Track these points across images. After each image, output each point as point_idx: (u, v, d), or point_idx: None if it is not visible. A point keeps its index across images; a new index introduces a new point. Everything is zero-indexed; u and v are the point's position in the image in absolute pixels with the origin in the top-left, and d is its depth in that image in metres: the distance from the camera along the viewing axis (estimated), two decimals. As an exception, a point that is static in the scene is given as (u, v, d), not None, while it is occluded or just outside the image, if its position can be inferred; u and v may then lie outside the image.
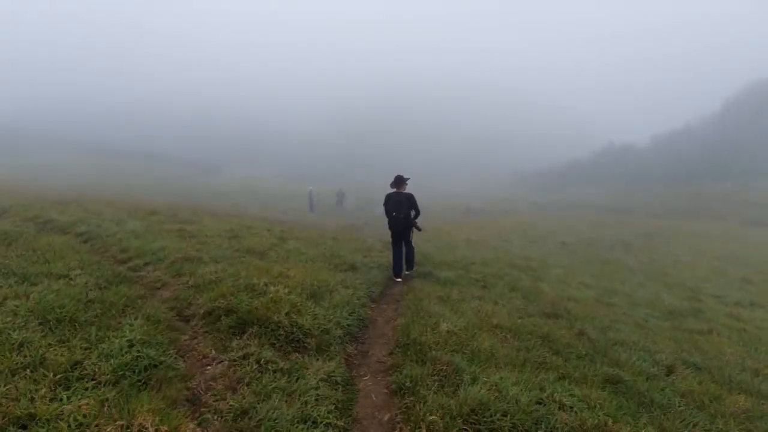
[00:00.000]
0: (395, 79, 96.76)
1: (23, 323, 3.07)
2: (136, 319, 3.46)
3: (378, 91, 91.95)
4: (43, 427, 2.10)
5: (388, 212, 6.81)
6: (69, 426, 2.11)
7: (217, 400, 2.60)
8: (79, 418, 2.17)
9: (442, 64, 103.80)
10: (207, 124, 72.95)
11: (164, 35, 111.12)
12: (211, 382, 2.82)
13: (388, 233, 7.06)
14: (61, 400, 2.31)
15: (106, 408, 2.28)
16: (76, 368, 2.63)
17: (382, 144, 69.17)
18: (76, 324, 3.24)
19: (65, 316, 3.31)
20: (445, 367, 3.23)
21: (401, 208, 6.70)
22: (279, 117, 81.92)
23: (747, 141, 34.62)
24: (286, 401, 2.63)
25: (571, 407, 2.76)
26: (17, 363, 2.58)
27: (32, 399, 2.27)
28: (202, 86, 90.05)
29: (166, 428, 2.22)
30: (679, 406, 3.18)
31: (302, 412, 2.55)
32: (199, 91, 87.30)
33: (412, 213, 6.86)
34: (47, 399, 2.30)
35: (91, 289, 4.05)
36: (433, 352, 3.48)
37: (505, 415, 2.56)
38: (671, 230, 19.02)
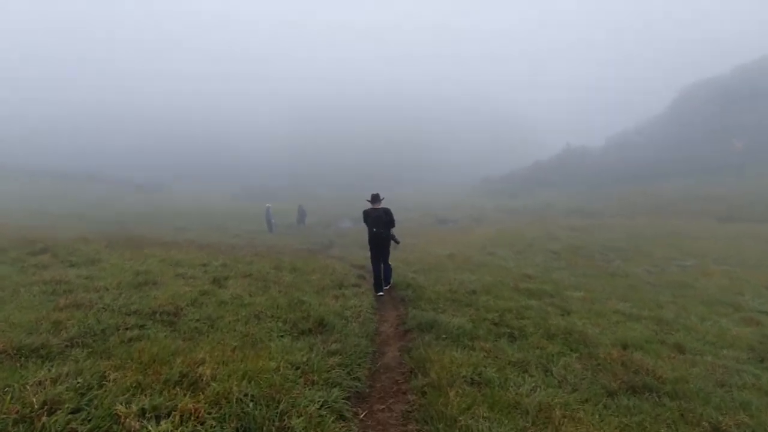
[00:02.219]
0: (355, 91, 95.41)
1: None
2: None
3: (338, 102, 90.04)
4: None
5: (368, 227, 7.15)
6: None
7: None
8: None
9: (401, 75, 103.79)
10: (156, 137, 67.33)
11: (108, 41, 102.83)
12: None
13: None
14: None
15: None
16: None
17: (343, 157, 67.02)
18: None
19: None
20: None
21: (380, 224, 7.04)
22: (236, 129, 77.51)
23: (696, 139, 35.99)
24: None
25: None
26: None
27: None
28: (152, 97, 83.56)
29: None
30: None
31: None
32: (148, 103, 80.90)
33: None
34: None
35: None
36: None
37: None
38: (651, 231, 18.27)
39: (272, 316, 4.60)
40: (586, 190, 33.88)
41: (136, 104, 79.62)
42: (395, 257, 11.78)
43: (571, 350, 4.57)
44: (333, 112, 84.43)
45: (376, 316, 5.71)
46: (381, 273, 7.10)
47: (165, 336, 3.71)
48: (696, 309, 7.26)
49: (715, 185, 26.74)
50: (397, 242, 7.45)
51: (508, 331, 4.96)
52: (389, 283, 7.35)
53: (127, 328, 3.80)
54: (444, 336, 4.46)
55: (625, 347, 4.87)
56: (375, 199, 7.14)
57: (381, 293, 6.92)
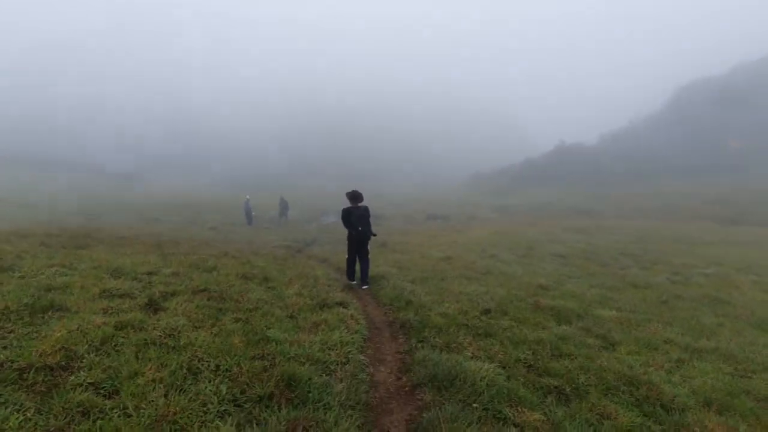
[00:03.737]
0: (342, 84, 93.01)
1: None
2: None
3: (325, 94, 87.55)
4: None
5: (351, 226, 7.07)
6: None
7: None
8: None
9: (392, 71, 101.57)
10: (137, 126, 64.02)
11: (95, 33, 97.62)
12: None
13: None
14: None
15: None
16: None
17: (330, 150, 64.99)
18: None
19: None
20: None
21: (363, 222, 7.07)
22: (220, 122, 74.43)
23: (693, 138, 35.42)
24: None
25: None
26: None
27: None
28: (135, 86, 79.58)
29: None
30: None
31: None
32: (130, 92, 76.99)
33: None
34: None
35: None
36: None
37: None
38: (657, 234, 17.28)
39: (216, 368, 3.09)
40: (583, 189, 32.97)
41: (117, 92, 75.87)
42: (387, 261, 10.36)
43: (647, 417, 3.21)
44: (322, 105, 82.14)
45: (370, 351, 4.26)
46: (354, 263, 7.28)
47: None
48: (751, 335, 6.03)
49: (715, 186, 26.06)
50: (374, 234, 7.39)
51: (554, 384, 3.57)
52: (368, 282, 7.16)
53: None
54: (473, 402, 3.02)
55: (708, 404, 3.55)
56: (356, 198, 7.06)
57: (354, 282, 7.16)
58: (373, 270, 8.75)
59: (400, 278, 7.93)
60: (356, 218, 6.98)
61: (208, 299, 4.95)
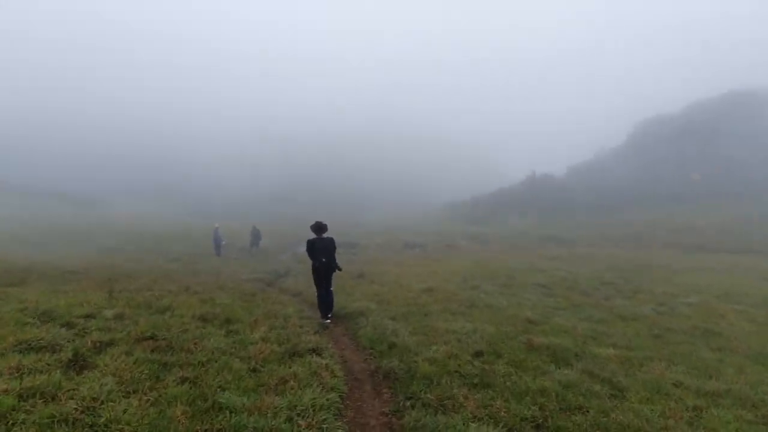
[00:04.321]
0: (316, 111, 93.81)
1: None
2: None
3: (300, 121, 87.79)
4: None
5: (314, 257, 7.00)
6: None
7: None
8: None
9: (361, 101, 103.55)
10: (99, 149, 61.22)
11: (52, 42, 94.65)
12: None
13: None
14: None
15: None
16: None
17: (304, 177, 64.32)
18: None
19: None
20: None
21: (327, 253, 7.02)
22: (191, 147, 72.50)
23: (655, 170, 37.24)
24: None
25: None
26: None
27: None
28: (98, 107, 76.83)
29: None
30: None
31: None
32: (100, 112, 74.22)
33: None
34: None
35: None
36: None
37: None
38: (631, 263, 17.39)
39: (144, 459, 2.31)
40: (555, 218, 33.59)
41: (82, 110, 73.09)
42: (365, 294, 9.66)
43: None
44: (297, 133, 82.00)
45: (349, 413, 3.54)
46: (327, 297, 7.09)
47: None
48: (755, 372, 5.68)
49: (679, 215, 27.07)
50: (339, 269, 7.43)
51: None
52: (329, 317, 7.01)
53: None
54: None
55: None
56: (321, 229, 7.03)
57: (329, 320, 6.90)
58: (350, 305, 8.04)
59: (380, 314, 7.24)
60: (319, 250, 6.93)
61: (152, 350, 4.11)
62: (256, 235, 20.68)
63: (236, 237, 23.52)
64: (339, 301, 8.63)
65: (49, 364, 3.52)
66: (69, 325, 4.75)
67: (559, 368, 4.99)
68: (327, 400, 3.38)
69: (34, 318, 4.91)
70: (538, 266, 16.17)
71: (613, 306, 9.79)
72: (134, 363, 3.69)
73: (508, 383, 4.23)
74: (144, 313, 5.63)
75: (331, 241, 7.10)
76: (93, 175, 52.93)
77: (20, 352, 3.75)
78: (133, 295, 7.12)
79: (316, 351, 4.72)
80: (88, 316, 5.21)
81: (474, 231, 31.26)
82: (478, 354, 5.27)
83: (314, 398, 3.33)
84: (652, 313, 9.26)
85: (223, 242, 19.53)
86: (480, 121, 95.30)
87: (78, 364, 3.61)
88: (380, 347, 5.23)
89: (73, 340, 4.24)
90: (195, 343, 4.48)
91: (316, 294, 7.27)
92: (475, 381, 4.25)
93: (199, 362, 3.92)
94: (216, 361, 4.01)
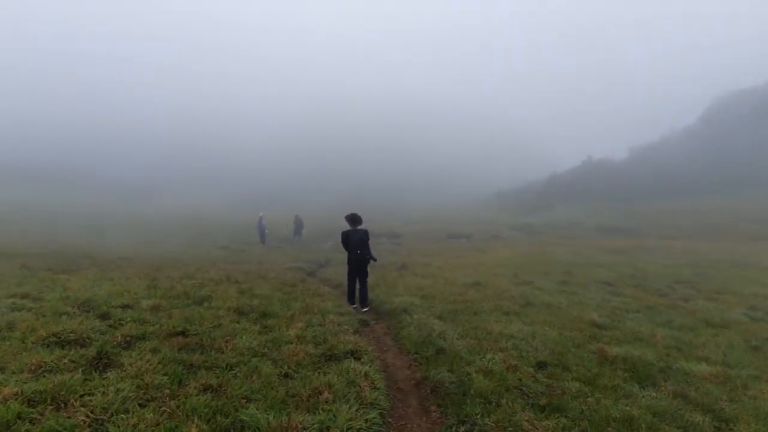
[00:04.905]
0: (357, 100, 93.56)
1: None
2: None
3: (345, 112, 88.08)
4: None
5: (350, 249, 7.09)
6: None
7: None
8: None
9: (411, 85, 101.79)
10: (151, 142, 65.28)
11: (100, 39, 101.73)
12: None
13: None
14: None
15: None
16: None
17: (345, 166, 64.55)
18: None
19: None
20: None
21: (362, 245, 7.05)
22: (238, 135, 75.29)
23: (731, 152, 33.10)
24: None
25: None
26: None
27: None
28: (149, 101, 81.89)
29: None
30: None
31: None
32: (144, 106, 79.23)
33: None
34: None
35: None
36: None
37: None
38: (711, 258, 15.42)
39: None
40: (614, 206, 30.98)
41: (131, 107, 78.07)
42: (408, 288, 9.10)
43: None
44: (339, 122, 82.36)
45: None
46: (355, 287, 7.27)
47: None
48: None
49: (756, 202, 23.82)
50: (374, 260, 7.38)
51: None
52: (368, 305, 7.12)
53: None
54: None
55: None
56: (356, 220, 7.09)
57: (355, 305, 7.09)
58: (392, 299, 7.53)
59: (425, 312, 6.66)
60: (354, 242, 7.02)
61: (181, 348, 3.81)
62: (298, 225, 20.79)
63: (279, 226, 23.90)
64: (380, 294, 8.16)
65: (73, 361, 3.30)
66: (104, 317, 4.62)
67: (644, 389, 4.15)
68: (366, 421, 2.86)
69: (73, 307, 4.84)
70: (599, 260, 14.77)
71: (695, 309, 8.50)
72: (159, 362, 3.39)
73: (583, 407, 3.49)
74: (180, 305, 5.45)
75: (365, 232, 7.14)
76: (148, 168, 56.41)
77: (47, 346, 3.58)
78: (174, 283, 7.07)
79: (354, 354, 4.23)
80: (125, 306, 5.09)
81: (523, 221, 29.61)
82: (541, 365, 4.54)
83: (351, 419, 2.82)
84: (744, 319, 7.91)
85: (266, 231, 19.79)
86: (528, 104, 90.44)
87: (102, 362, 3.37)
88: (426, 352, 4.65)
89: (104, 333, 4.06)
90: (227, 341, 4.15)
91: (347, 285, 7.44)
92: (542, 402, 3.55)
93: (227, 365, 3.56)
94: (246, 364, 3.63)
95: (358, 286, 7.28)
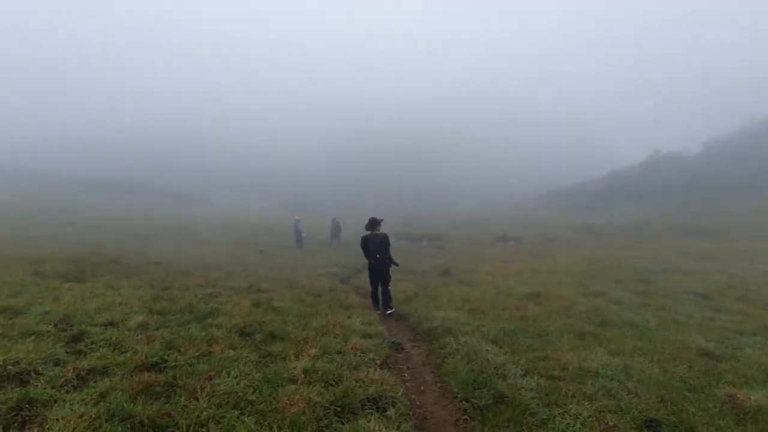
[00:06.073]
0: (402, 98, 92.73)
1: None
2: None
3: (381, 112, 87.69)
4: None
5: (370, 254, 6.91)
6: None
7: None
8: None
9: (458, 80, 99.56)
10: (195, 148, 68.48)
11: (145, 49, 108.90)
12: None
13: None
14: None
15: None
16: None
17: (385, 168, 63.70)
18: None
19: None
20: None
21: (382, 250, 6.90)
22: (279, 141, 77.19)
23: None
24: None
25: None
26: None
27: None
28: (192, 112, 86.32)
29: None
30: None
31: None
32: (188, 114, 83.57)
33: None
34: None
35: None
36: None
37: None
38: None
39: None
40: (688, 205, 27.36)
41: (179, 118, 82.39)
42: (453, 299, 7.75)
43: None
44: (384, 126, 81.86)
45: None
46: (378, 294, 7.04)
47: None
48: None
49: None
50: (396, 264, 7.17)
51: None
52: (391, 308, 6.87)
53: None
54: None
55: None
56: (374, 224, 6.98)
57: (379, 311, 6.83)
58: (433, 314, 6.26)
59: (474, 333, 5.31)
60: (374, 246, 6.87)
61: (142, 391, 2.81)
62: (336, 228, 20.00)
63: (318, 229, 23.32)
64: (419, 308, 6.91)
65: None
66: (77, 338, 3.79)
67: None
68: None
69: (50, 325, 4.07)
70: (682, 266, 12.47)
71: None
72: (98, 418, 2.39)
73: None
74: (175, 322, 4.55)
75: (385, 236, 7.00)
76: (195, 175, 58.85)
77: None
78: (183, 292, 6.27)
79: (378, 403, 3.02)
80: (108, 324, 4.26)
81: (581, 222, 26.91)
82: (651, 425, 3.07)
83: None
84: None
85: (303, 234, 19.18)
86: (585, 98, 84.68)
87: (21, 416, 2.42)
88: (480, 397, 3.33)
89: (59, 364, 3.18)
90: (209, 378, 3.12)
91: (370, 292, 7.25)
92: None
93: (191, 423, 2.48)
94: (218, 421, 2.55)
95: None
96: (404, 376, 4.02)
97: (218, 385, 3.01)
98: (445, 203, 44.01)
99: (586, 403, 3.27)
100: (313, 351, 4.00)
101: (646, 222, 23.64)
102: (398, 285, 9.68)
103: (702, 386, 3.97)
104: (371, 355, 4.10)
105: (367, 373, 3.57)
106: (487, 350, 4.54)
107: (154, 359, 3.38)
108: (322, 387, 3.21)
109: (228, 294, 6.77)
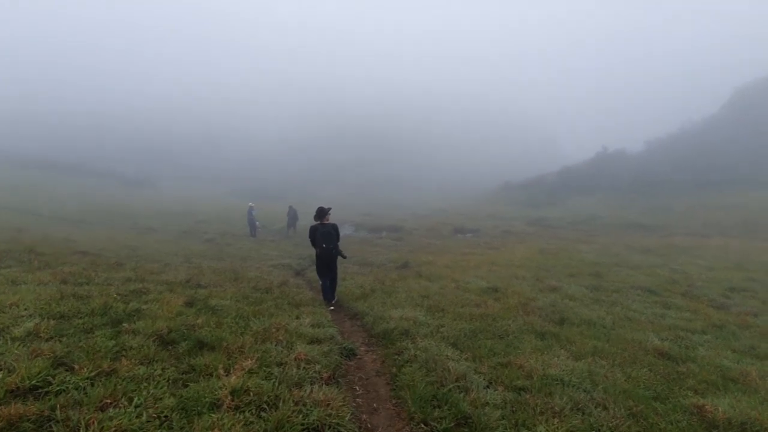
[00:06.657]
0: (360, 90, 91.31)
1: None
2: None
3: (343, 101, 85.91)
4: None
5: (317, 244, 6.76)
6: None
7: None
8: None
9: (410, 74, 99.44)
10: (150, 133, 63.72)
11: (112, 34, 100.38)
12: None
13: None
14: None
15: None
16: None
17: (348, 158, 62.61)
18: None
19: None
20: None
21: (330, 240, 6.73)
22: (238, 127, 73.46)
23: (759, 143, 30.89)
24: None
25: None
26: None
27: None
28: (149, 94, 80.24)
29: None
30: None
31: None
32: (145, 99, 77.59)
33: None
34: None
35: None
36: None
37: None
38: (761, 260, 13.55)
39: None
40: (633, 200, 29.02)
41: (132, 99, 76.45)
42: (411, 295, 7.37)
43: None
44: (346, 114, 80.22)
45: None
46: (329, 286, 6.88)
47: None
48: None
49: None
50: (344, 257, 7.19)
51: None
52: (335, 297, 6.92)
53: None
54: None
55: None
56: (323, 214, 6.82)
57: (333, 307, 6.62)
58: (390, 313, 5.83)
59: (433, 335, 4.94)
60: (322, 236, 6.67)
61: (-5, 437, 2.10)
62: (293, 216, 19.07)
63: (276, 218, 22.23)
64: (374, 305, 6.46)
65: None
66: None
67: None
68: None
69: None
70: (630, 260, 12.97)
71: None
72: None
73: None
74: (75, 329, 3.74)
75: (333, 227, 6.86)
76: (145, 157, 54.76)
77: None
78: (102, 289, 5.38)
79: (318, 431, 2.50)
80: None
81: (535, 215, 27.75)
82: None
83: None
84: None
85: (258, 224, 18.11)
86: (538, 98, 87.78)
87: None
88: (440, 419, 2.91)
89: None
90: (102, 408, 2.45)
91: (320, 285, 7.02)
92: None
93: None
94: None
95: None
96: (355, 389, 3.54)
97: (111, 419, 2.34)
98: (406, 195, 43.95)
99: (556, 422, 2.96)
100: (248, 363, 3.40)
101: (594, 216, 24.77)
102: (355, 279, 9.19)
103: (666, 394, 3.83)
104: (317, 367, 3.57)
105: (311, 391, 3.04)
106: (447, 356, 4.17)
107: (34, 381, 2.64)
108: (252, 414, 2.64)
109: (158, 290, 5.94)
